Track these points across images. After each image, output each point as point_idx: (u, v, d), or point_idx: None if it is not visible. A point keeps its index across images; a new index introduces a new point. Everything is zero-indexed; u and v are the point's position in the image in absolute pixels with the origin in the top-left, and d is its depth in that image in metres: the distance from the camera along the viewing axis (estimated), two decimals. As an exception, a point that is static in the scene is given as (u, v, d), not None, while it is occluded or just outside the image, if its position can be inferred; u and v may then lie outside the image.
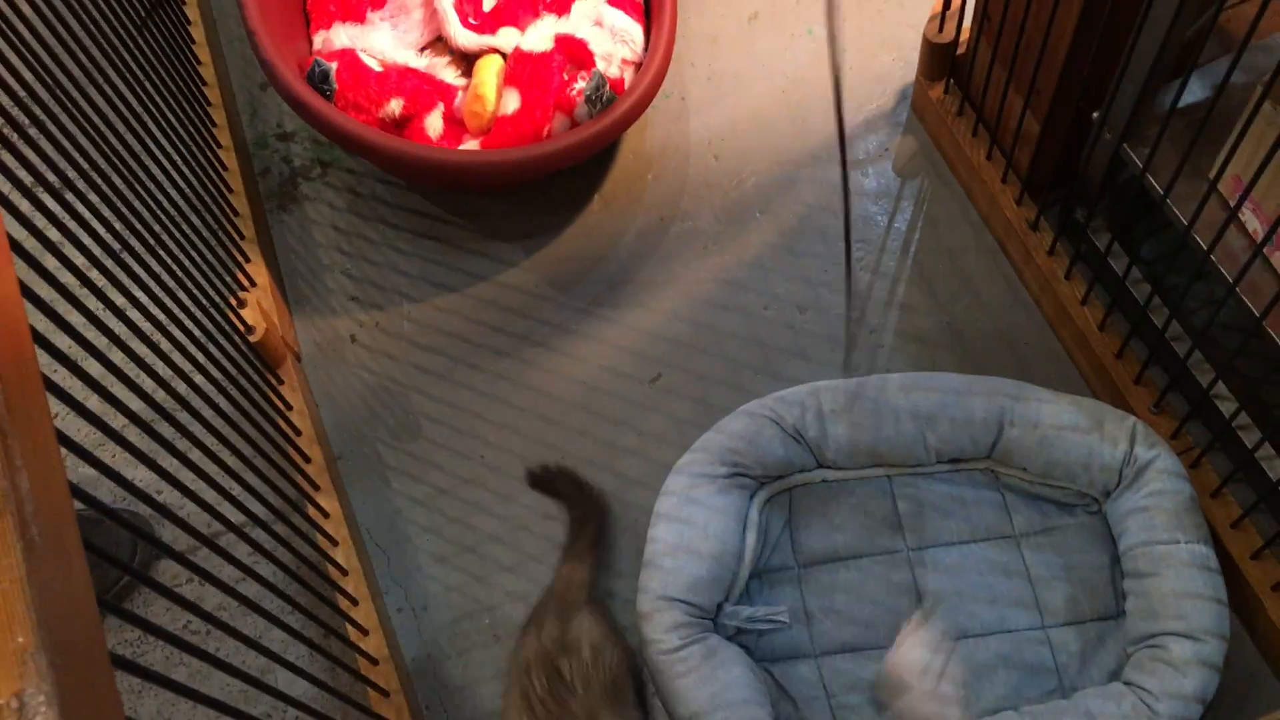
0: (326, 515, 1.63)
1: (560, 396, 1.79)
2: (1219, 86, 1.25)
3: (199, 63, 2.01)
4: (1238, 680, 1.50)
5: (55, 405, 0.89)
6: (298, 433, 1.69)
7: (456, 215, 1.96)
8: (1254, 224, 1.45)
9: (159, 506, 1.17)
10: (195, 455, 1.35)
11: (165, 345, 1.36)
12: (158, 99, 1.70)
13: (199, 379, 1.45)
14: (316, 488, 1.65)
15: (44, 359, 0.90)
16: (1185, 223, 1.40)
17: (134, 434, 1.62)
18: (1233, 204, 1.32)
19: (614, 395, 1.78)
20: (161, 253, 1.49)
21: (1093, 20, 1.41)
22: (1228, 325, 1.67)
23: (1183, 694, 1.37)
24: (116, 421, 1.63)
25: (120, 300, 1.32)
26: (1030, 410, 1.56)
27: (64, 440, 0.84)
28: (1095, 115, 1.53)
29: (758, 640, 1.54)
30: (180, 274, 1.52)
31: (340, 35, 1.88)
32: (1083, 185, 1.62)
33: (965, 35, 1.80)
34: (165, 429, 1.25)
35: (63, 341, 1.03)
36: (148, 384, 1.31)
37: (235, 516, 1.33)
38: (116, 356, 1.33)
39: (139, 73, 1.67)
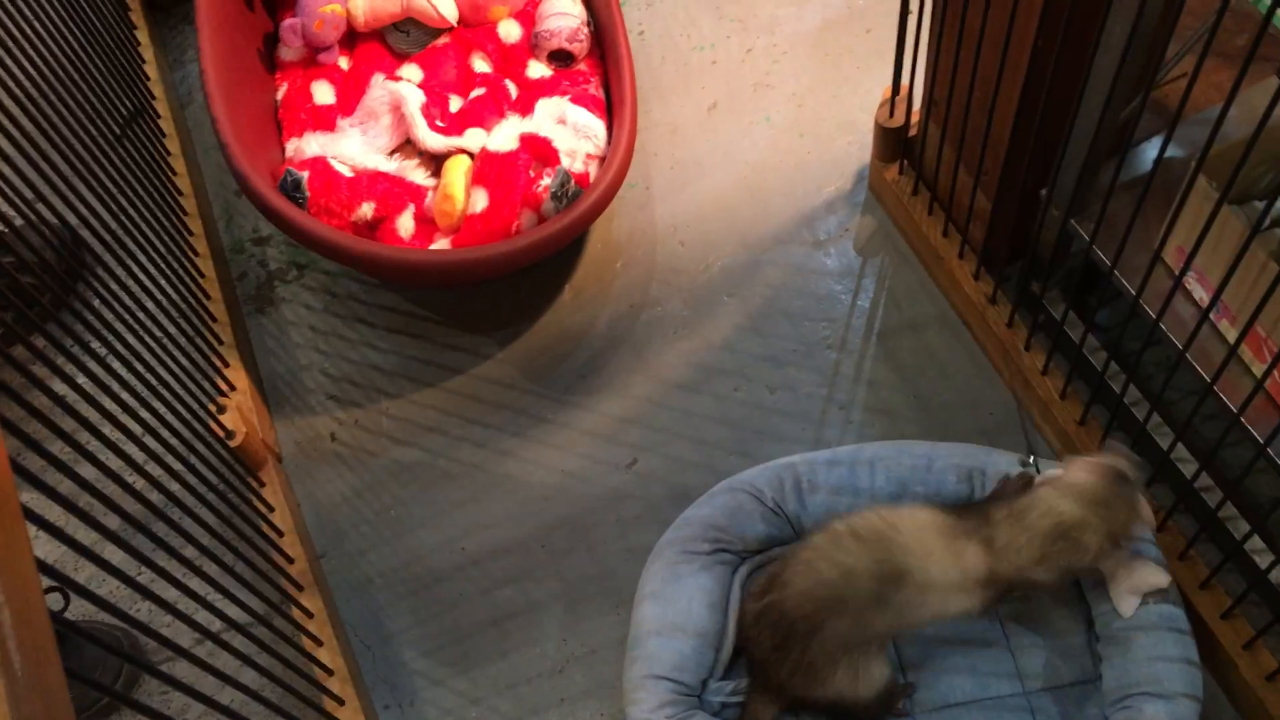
0: (311, 615, 1.64)
1: (538, 486, 1.82)
2: (1155, 162, 1.30)
3: (174, 174, 2.06)
4: (1216, 740, 1.52)
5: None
6: (280, 534, 1.71)
7: (431, 311, 2.00)
8: (1200, 292, 1.50)
9: (137, 623, 1.19)
10: (175, 565, 1.37)
11: (140, 457, 1.38)
12: (133, 213, 1.74)
13: (175, 487, 1.47)
14: (300, 588, 1.66)
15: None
16: (1134, 293, 1.44)
17: (111, 548, 1.64)
18: (1177, 274, 1.37)
19: (591, 482, 1.81)
20: (138, 365, 1.52)
21: (1032, 104, 1.47)
22: (1184, 389, 1.71)
23: (1160, 757, 1.38)
24: (89, 537, 1.65)
25: (94, 415, 1.35)
26: (999, 473, 1.59)
27: (41, 566, 0.86)
28: (1042, 192, 1.59)
29: (743, 715, 1.55)
30: (157, 384, 1.55)
31: (311, 144, 1.93)
32: (1036, 259, 1.67)
33: (916, 118, 1.86)
34: (144, 541, 1.28)
35: (34, 463, 1.05)
36: (126, 498, 1.33)
37: (218, 624, 1.35)
38: (87, 471, 1.35)
39: (114, 189, 1.72)
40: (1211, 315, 1.49)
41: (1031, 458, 1.58)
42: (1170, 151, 1.58)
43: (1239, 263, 1.22)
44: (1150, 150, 1.64)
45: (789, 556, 1.46)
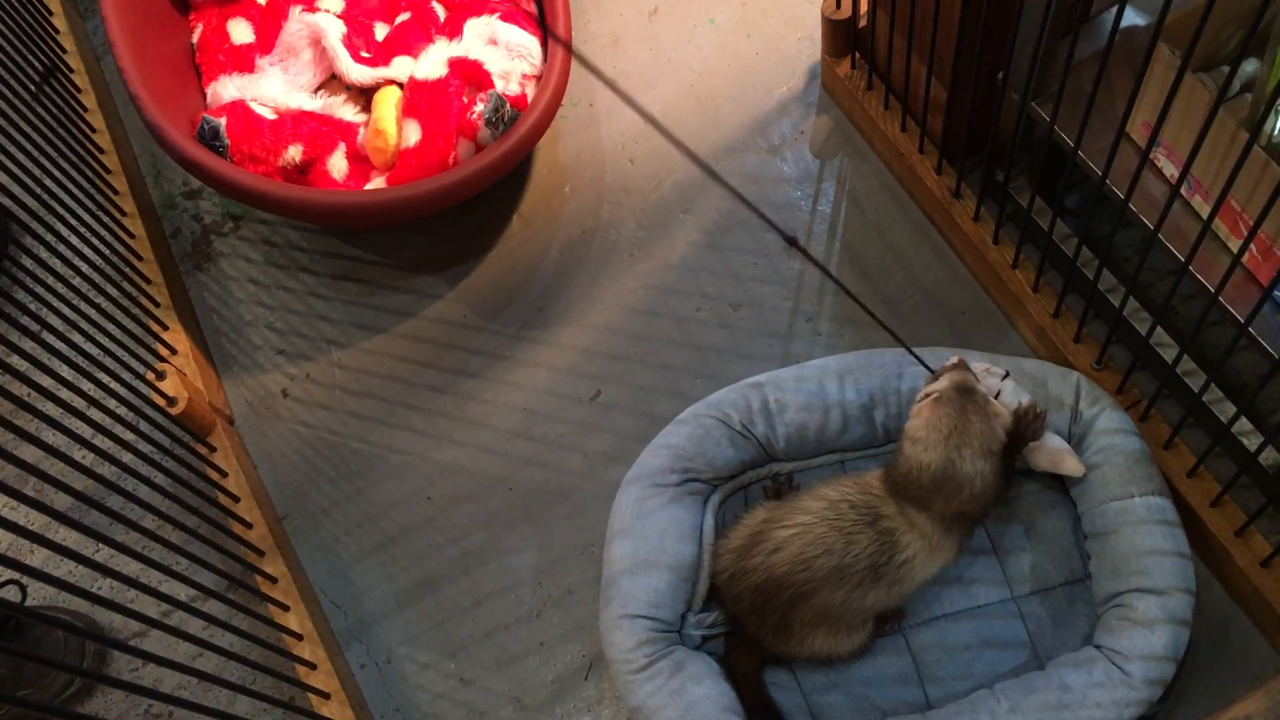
0: (275, 580, 1.59)
1: (501, 427, 1.75)
2: (1111, 33, 1.21)
3: (93, 130, 1.96)
4: (1213, 629, 1.48)
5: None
6: (236, 500, 1.64)
7: (375, 253, 1.92)
8: (1171, 169, 1.42)
9: (99, 598, 1.16)
10: (133, 537, 1.32)
11: (76, 435, 1.32)
12: (52, 178, 1.65)
13: (128, 458, 1.42)
14: (261, 553, 1.60)
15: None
16: (1100, 173, 1.36)
17: (64, 531, 1.58)
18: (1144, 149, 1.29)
19: (555, 418, 1.74)
20: (74, 336, 1.45)
21: (979, -19, 1.38)
22: (1162, 270, 1.64)
23: (1154, 654, 1.34)
24: (37, 521, 1.60)
25: (24, 391, 1.29)
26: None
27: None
28: (999, 76, 1.50)
29: (725, 643, 1.51)
30: (95, 355, 1.48)
31: (228, 87, 1.83)
32: (998, 146, 1.59)
33: (864, 8, 1.76)
34: (98, 518, 1.23)
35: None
36: (74, 475, 1.27)
37: (164, 607, 1.30)
38: (28, 452, 1.29)
39: (33, 154, 1.62)
40: (1184, 192, 1.42)
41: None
42: (1135, 20, 1.50)
43: (1206, 133, 1.14)
44: (1106, 25, 1.54)
45: (773, 518, 1.40)
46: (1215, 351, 1.53)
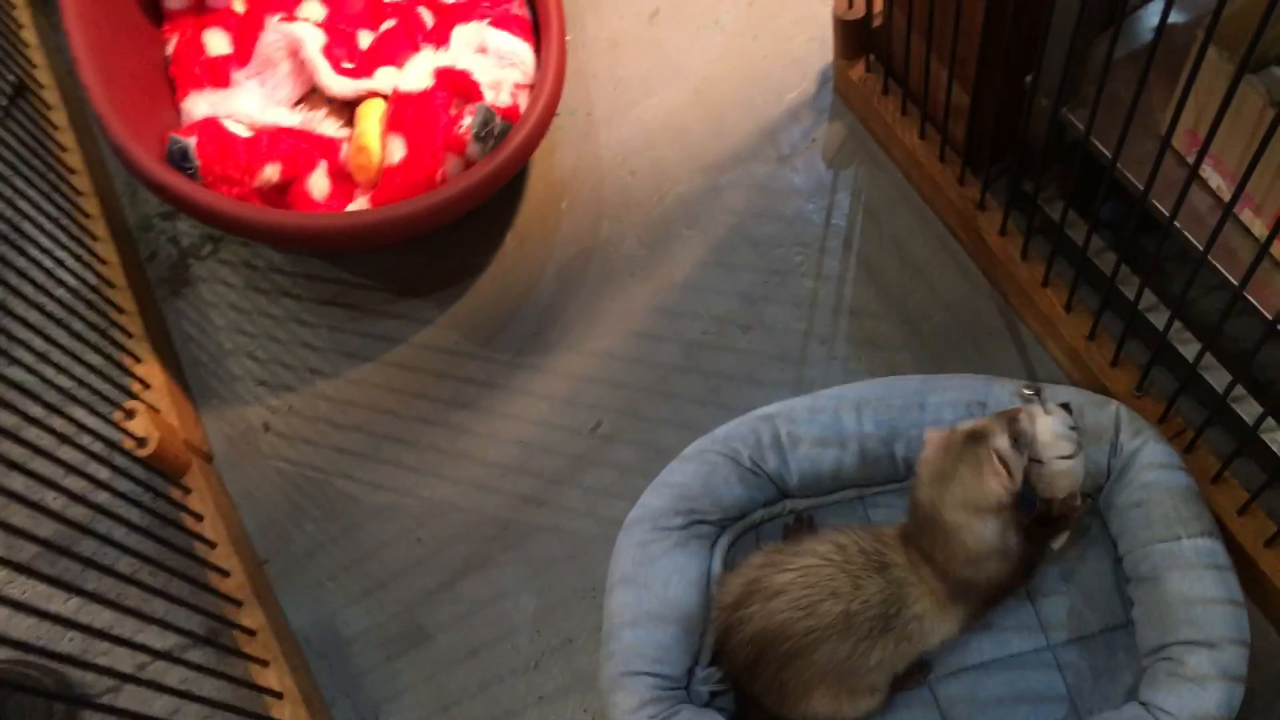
0: (253, 633, 1.49)
1: (496, 461, 1.65)
2: (1157, 31, 1.09)
3: (63, 149, 1.86)
4: (1268, 681, 1.36)
5: None
6: (212, 545, 1.54)
7: (361, 276, 1.81)
8: (1216, 180, 1.30)
9: (67, 658, 1.09)
10: (107, 584, 1.26)
11: (57, 473, 1.25)
12: (16, 203, 1.56)
13: (103, 497, 1.36)
14: (238, 604, 1.50)
15: None
16: (1141, 188, 1.24)
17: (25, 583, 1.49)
18: (1191, 161, 1.17)
19: (553, 451, 1.64)
20: (42, 370, 1.38)
21: (1006, -24, 1.26)
22: (1203, 285, 1.52)
23: (1205, 713, 1.22)
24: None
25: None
26: (1002, 407, 1.41)
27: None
28: (1027, 79, 1.38)
29: (736, 699, 1.40)
30: (65, 389, 1.41)
31: (199, 104, 1.72)
32: (1026, 155, 1.47)
33: (879, 7, 1.65)
34: (68, 565, 1.20)
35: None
36: (41, 521, 1.20)
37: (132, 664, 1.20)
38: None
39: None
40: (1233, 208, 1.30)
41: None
42: (1173, 16, 1.38)
43: (1267, 145, 1.02)
44: (1150, 16, 1.42)
45: (771, 562, 1.29)
46: (1266, 373, 1.41)
